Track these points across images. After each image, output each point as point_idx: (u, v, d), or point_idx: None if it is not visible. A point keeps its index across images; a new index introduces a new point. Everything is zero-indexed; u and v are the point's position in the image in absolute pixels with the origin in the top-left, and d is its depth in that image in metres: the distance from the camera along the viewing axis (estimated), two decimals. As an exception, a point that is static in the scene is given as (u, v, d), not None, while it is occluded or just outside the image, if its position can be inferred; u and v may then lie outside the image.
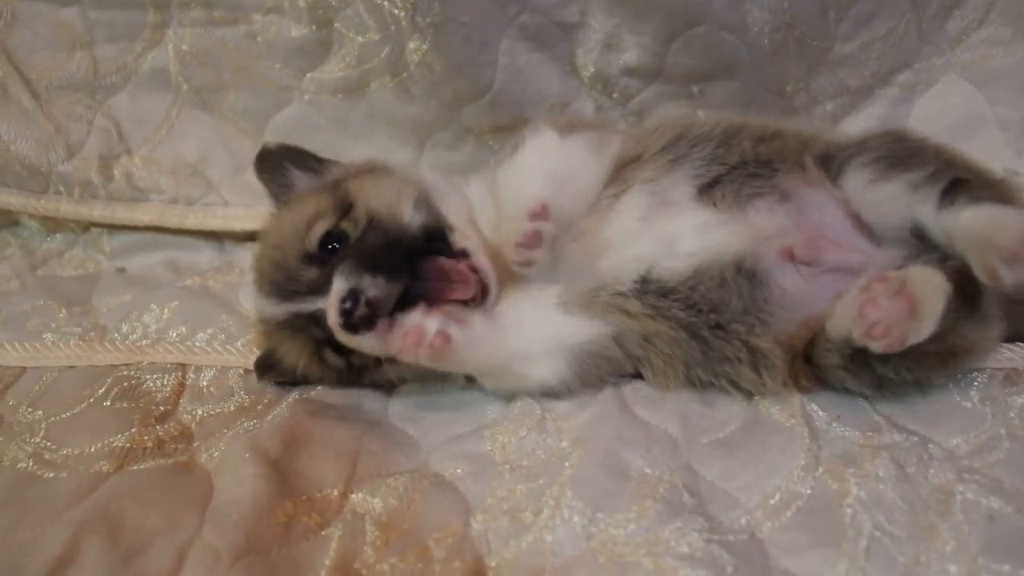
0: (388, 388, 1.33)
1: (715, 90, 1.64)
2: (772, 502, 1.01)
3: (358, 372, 1.27)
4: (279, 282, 1.22)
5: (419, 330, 1.10)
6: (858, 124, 1.67)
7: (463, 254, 1.20)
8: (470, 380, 1.28)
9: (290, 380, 1.33)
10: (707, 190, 1.23)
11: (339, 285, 1.09)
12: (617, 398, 1.20)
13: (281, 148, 1.42)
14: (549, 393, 1.22)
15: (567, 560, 0.94)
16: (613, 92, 1.66)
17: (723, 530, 0.96)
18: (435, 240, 1.21)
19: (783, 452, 1.07)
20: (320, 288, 1.16)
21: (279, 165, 1.38)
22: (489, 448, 1.15)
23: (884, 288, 1.02)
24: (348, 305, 1.08)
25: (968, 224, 1.05)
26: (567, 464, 1.06)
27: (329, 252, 1.20)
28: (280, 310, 1.22)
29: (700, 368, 1.21)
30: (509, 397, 1.24)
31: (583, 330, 1.22)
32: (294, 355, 1.26)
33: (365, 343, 1.12)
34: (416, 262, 1.16)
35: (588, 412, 1.18)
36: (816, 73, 1.64)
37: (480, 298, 1.18)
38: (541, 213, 1.11)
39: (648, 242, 1.21)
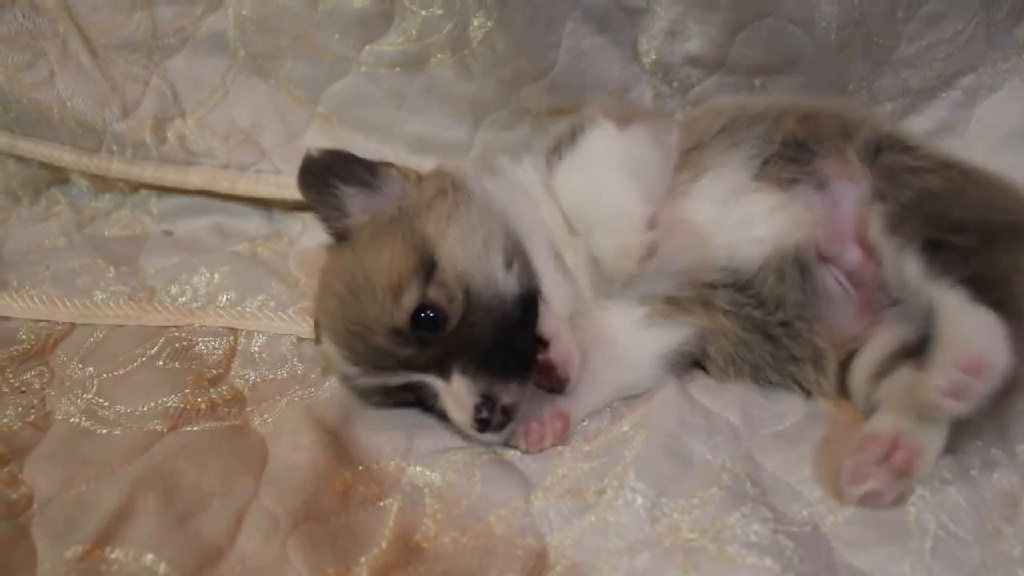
0: None
1: (777, 84, 1.62)
2: (834, 496, 0.99)
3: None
4: (366, 355, 1.13)
5: (538, 427, 1.11)
6: (918, 126, 1.65)
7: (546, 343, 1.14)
8: None
9: None
10: (762, 172, 1.21)
11: (467, 386, 1.07)
12: (678, 385, 1.19)
13: (326, 157, 1.24)
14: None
15: (631, 542, 0.93)
16: (673, 81, 1.64)
17: (787, 521, 0.95)
18: (529, 311, 1.16)
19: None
20: (421, 366, 1.11)
21: (326, 181, 1.22)
22: (548, 429, 1.14)
23: (873, 452, 0.99)
24: (484, 414, 1.06)
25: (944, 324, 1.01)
26: (630, 446, 1.05)
27: (423, 329, 1.11)
28: (370, 381, 1.16)
29: (769, 370, 1.21)
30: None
31: (674, 335, 1.22)
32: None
33: (491, 439, 1.11)
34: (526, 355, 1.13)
35: (648, 394, 1.18)
36: (879, 72, 1.62)
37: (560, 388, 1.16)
38: (653, 222, 1.06)
39: (730, 228, 1.20)
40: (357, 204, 1.22)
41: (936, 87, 1.64)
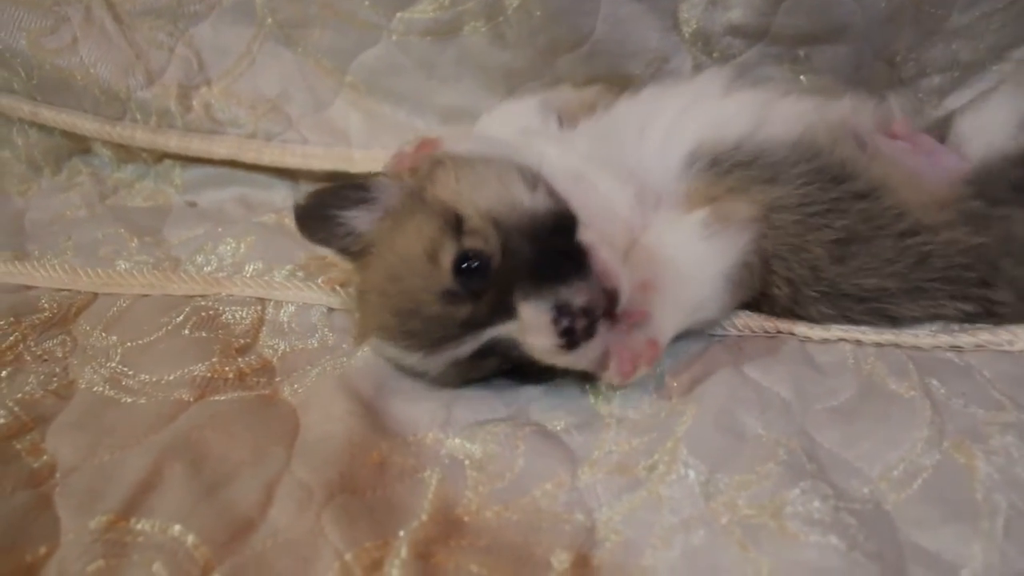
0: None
1: (822, 55, 1.56)
2: (895, 473, 0.95)
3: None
4: (426, 332, 1.06)
5: (629, 354, 1.02)
6: (965, 100, 1.59)
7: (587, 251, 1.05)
8: None
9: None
10: None
11: (536, 307, 0.98)
12: (725, 356, 1.14)
13: (312, 200, 1.21)
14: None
15: (685, 518, 0.89)
16: (714, 51, 1.59)
17: (848, 498, 0.90)
18: (566, 228, 1.08)
19: (904, 423, 1.01)
20: (484, 320, 1.02)
21: (324, 216, 1.19)
22: (592, 401, 1.10)
23: None
24: (566, 323, 0.97)
25: None
26: (680, 421, 1.01)
27: (471, 280, 1.04)
28: (436, 361, 1.07)
29: (838, 215, 1.17)
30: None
31: (734, 246, 1.15)
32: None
33: (583, 356, 1.00)
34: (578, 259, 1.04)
35: (696, 368, 1.13)
36: (929, 43, 1.56)
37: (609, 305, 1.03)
38: None
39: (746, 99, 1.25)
40: (363, 220, 1.19)
41: (987, 59, 1.58)
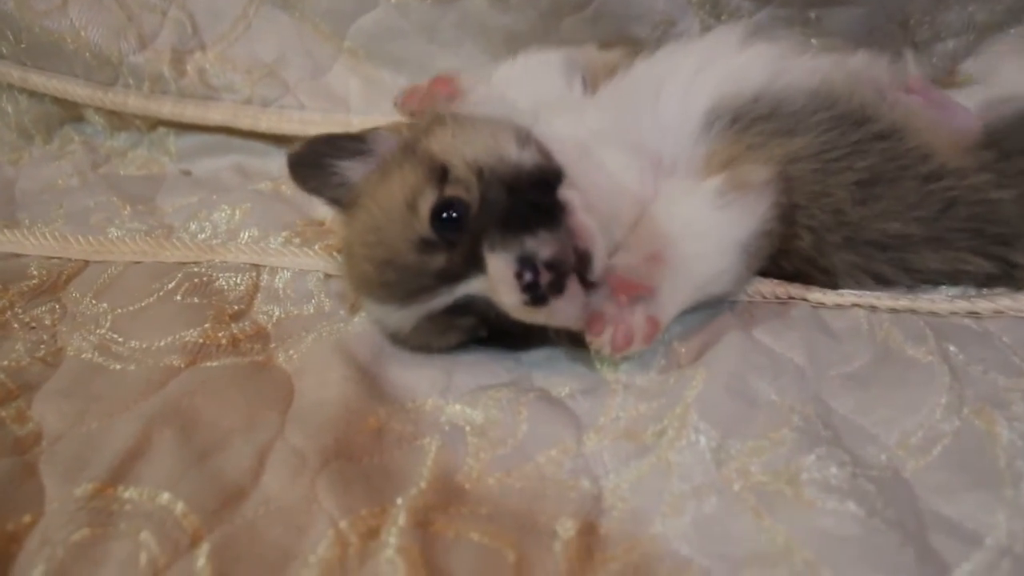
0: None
1: (834, 17, 1.52)
2: (914, 440, 0.91)
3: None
4: (395, 282, 1.02)
5: (626, 328, 0.97)
6: (979, 66, 1.54)
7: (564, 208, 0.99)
8: None
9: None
10: None
11: (501, 259, 0.93)
12: (736, 322, 1.10)
13: (307, 148, 1.18)
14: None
15: (696, 485, 0.85)
16: (722, 13, 1.55)
17: (865, 464, 0.86)
18: (550, 184, 1.03)
19: (922, 389, 0.97)
20: (458, 272, 0.98)
21: (320, 165, 1.16)
22: (598, 366, 1.05)
23: None
24: (529, 277, 0.91)
25: None
26: (690, 386, 0.97)
27: (448, 228, 1.00)
28: (409, 314, 1.03)
29: (860, 156, 1.13)
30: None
31: (752, 213, 1.09)
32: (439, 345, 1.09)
33: (556, 313, 0.95)
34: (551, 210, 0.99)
35: (705, 335, 1.08)
36: (944, 6, 1.51)
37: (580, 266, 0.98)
38: None
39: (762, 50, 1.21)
40: (357, 171, 1.16)
41: (1005, 21, 1.53)
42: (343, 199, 1.16)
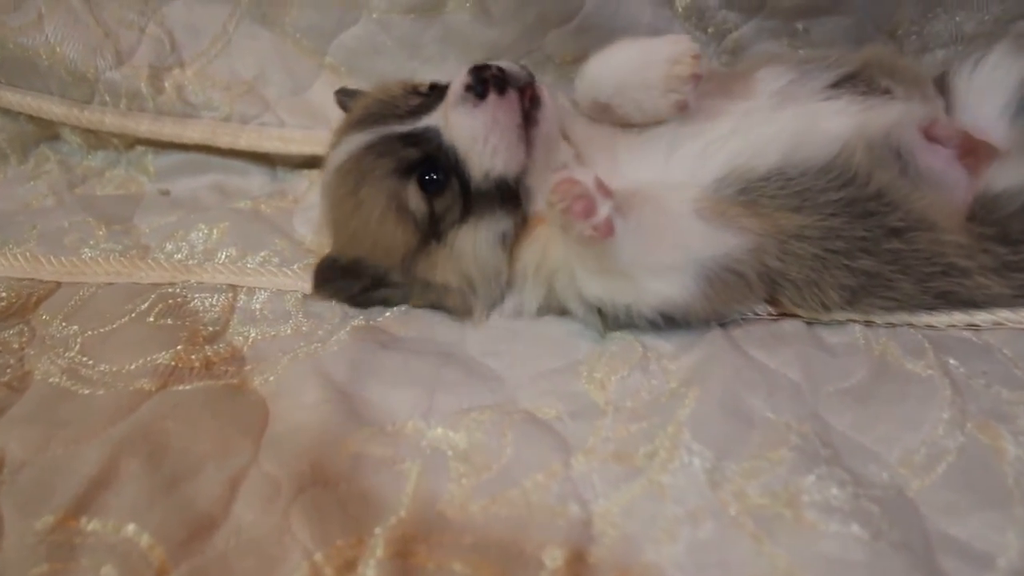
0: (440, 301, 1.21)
1: (822, 27, 1.50)
2: (917, 458, 0.87)
3: (436, 227, 1.15)
4: (375, 112, 1.19)
5: (591, 202, 0.95)
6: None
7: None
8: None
9: (349, 294, 1.22)
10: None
11: (461, 74, 1.09)
12: (727, 338, 1.06)
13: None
14: (663, 312, 1.07)
15: (691, 509, 0.81)
16: (708, 26, 1.52)
17: (867, 484, 0.83)
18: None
19: (922, 404, 0.94)
20: (425, 109, 1.14)
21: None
22: (586, 386, 1.01)
23: None
24: (478, 75, 1.06)
25: None
26: (682, 404, 0.93)
27: (436, 91, 1.17)
28: (370, 134, 1.16)
29: (863, 255, 1.07)
30: (605, 331, 1.11)
31: (718, 241, 1.05)
32: (372, 198, 1.15)
33: (494, 126, 1.07)
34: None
35: (696, 352, 1.04)
36: (932, 15, 1.49)
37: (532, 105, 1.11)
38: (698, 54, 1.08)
39: (789, 119, 1.13)
40: None
41: (993, 31, 1.50)
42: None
